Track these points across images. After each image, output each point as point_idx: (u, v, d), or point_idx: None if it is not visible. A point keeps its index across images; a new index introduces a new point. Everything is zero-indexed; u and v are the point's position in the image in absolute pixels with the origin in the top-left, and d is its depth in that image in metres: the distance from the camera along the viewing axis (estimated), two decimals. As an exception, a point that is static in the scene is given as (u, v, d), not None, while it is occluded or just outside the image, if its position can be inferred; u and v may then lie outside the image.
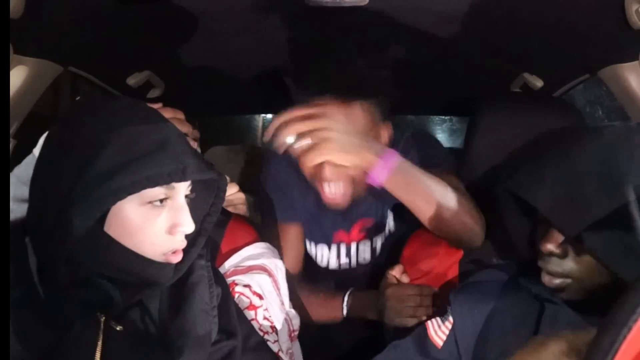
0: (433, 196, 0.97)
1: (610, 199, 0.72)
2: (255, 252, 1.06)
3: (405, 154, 1.01)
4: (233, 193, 1.24)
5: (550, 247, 0.79)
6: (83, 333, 0.69)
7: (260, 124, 4.23)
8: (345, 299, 1.19)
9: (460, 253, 1.07)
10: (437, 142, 1.30)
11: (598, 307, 0.77)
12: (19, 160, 0.95)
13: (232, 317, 0.84)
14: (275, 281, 1.03)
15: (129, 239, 0.69)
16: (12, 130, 1.15)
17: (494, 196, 0.90)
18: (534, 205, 0.78)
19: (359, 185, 1.11)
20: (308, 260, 1.34)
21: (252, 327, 0.90)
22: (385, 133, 1.15)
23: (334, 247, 1.32)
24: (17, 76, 1.09)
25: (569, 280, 0.78)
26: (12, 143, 1.16)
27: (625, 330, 0.40)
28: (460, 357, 0.87)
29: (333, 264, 1.34)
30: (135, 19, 1.15)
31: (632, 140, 0.76)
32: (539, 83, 1.50)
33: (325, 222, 1.28)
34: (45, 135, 0.78)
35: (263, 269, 1.03)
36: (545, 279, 0.80)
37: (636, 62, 1.13)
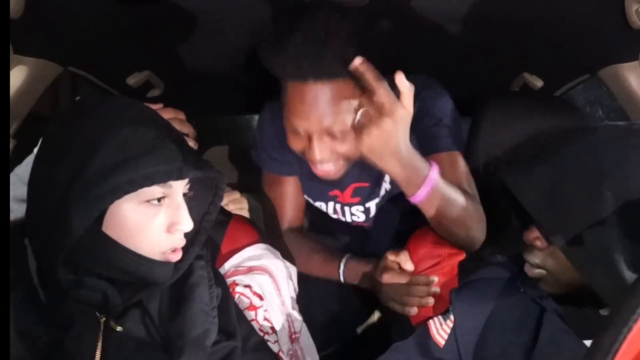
0: (453, 212, 0.97)
1: (588, 200, 0.73)
2: (256, 252, 1.06)
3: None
4: (235, 199, 1.24)
5: (531, 238, 0.84)
6: (83, 334, 0.69)
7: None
8: (342, 268, 1.16)
9: (464, 254, 1.07)
10: (448, 105, 1.16)
11: (574, 300, 0.80)
12: (19, 160, 0.95)
13: (232, 317, 0.84)
14: (275, 282, 1.03)
15: (127, 238, 0.69)
16: (12, 130, 1.15)
17: (495, 195, 0.90)
18: (517, 197, 0.81)
19: (353, 160, 1.06)
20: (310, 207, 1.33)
21: (252, 327, 0.90)
22: None
23: (330, 204, 1.30)
24: (17, 76, 1.09)
25: (544, 272, 0.84)
26: (12, 143, 1.16)
27: (625, 330, 0.40)
28: (461, 356, 0.87)
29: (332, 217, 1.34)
30: (135, 19, 1.15)
31: (622, 142, 0.77)
32: (539, 83, 1.50)
33: (319, 182, 1.21)
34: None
35: (264, 270, 1.03)
36: (526, 267, 0.87)
37: (636, 62, 1.13)
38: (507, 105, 1.26)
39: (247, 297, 0.97)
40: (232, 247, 1.06)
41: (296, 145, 1.04)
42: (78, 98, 1.70)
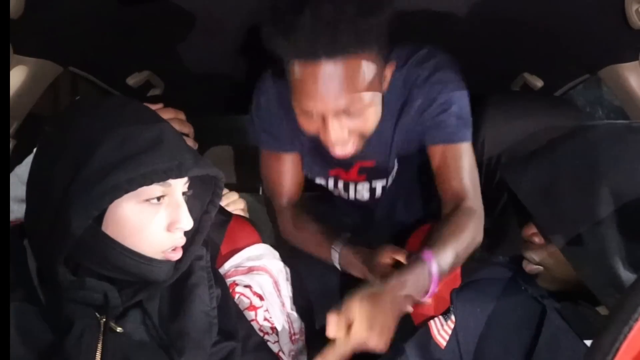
0: (462, 260, 0.95)
1: (582, 197, 0.73)
2: (256, 253, 1.06)
3: (413, 100, 0.95)
4: (233, 200, 1.24)
5: (529, 234, 0.85)
6: (83, 335, 0.69)
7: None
8: (337, 256, 1.12)
9: None
10: (460, 92, 1.09)
11: (570, 297, 0.80)
12: (19, 160, 0.95)
13: (232, 318, 0.84)
14: (276, 282, 1.03)
15: (127, 237, 0.69)
16: (12, 130, 1.15)
17: (495, 192, 0.90)
18: (514, 191, 0.82)
19: (369, 135, 1.02)
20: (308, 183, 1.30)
21: (252, 327, 0.90)
22: (389, 73, 1.04)
23: (331, 180, 1.26)
24: (17, 76, 1.09)
25: (541, 268, 0.84)
26: (12, 143, 1.16)
27: (626, 329, 0.40)
28: (461, 356, 0.87)
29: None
30: (135, 19, 1.15)
31: (619, 140, 0.77)
32: (539, 83, 1.50)
33: (322, 159, 1.19)
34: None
35: (264, 270, 1.03)
36: (524, 263, 0.87)
37: (636, 62, 1.13)
38: (507, 104, 1.26)
39: (247, 297, 0.97)
40: (232, 247, 1.06)
41: (309, 127, 1.00)
42: (77, 98, 1.70)
